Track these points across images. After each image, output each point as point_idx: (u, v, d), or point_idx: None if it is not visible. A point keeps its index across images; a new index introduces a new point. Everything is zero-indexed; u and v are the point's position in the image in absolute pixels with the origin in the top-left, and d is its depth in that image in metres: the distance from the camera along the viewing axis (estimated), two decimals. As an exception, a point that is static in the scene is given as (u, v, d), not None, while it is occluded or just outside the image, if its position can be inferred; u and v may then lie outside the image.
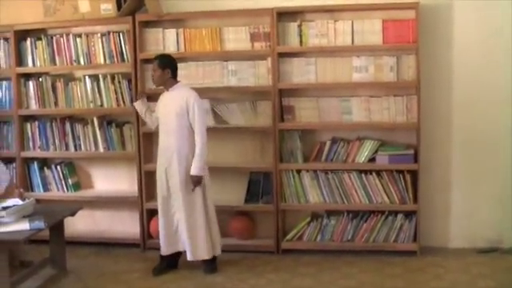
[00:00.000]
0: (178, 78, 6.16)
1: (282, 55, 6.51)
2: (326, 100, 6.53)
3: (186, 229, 5.95)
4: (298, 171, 6.57)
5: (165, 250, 6.12)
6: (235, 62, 6.63)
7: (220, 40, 6.63)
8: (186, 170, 5.90)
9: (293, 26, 6.50)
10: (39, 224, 5.43)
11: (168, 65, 6.00)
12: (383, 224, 6.45)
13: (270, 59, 6.49)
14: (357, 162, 6.47)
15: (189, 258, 6.02)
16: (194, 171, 5.86)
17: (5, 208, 5.58)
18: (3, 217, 5.44)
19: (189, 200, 5.93)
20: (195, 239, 5.97)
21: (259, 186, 6.73)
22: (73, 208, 6.22)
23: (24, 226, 5.40)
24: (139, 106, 6.37)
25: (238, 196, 6.78)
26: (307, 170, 6.55)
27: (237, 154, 6.84)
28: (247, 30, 6.57)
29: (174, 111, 5.90)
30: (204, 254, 6.01)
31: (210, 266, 6.12)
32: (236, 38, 6.61)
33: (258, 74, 6.59)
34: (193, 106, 5.88)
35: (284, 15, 6.49)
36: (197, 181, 5.88)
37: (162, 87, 6.12)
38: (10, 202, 5.77)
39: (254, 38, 6.55)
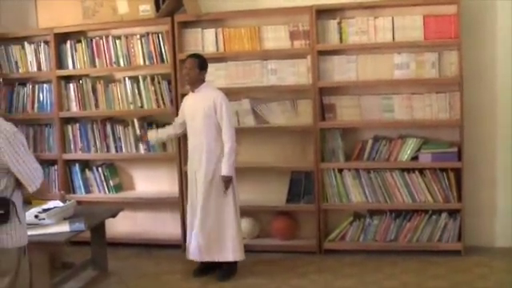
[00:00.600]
0: (218, 78, 6.18)
1: (321, 53, 6.49)
2: (368, 98, 6.49)
3: (202, 230, 5.89)
4: (340, 170, 6.55)
5: (190, 256, 6.12)
6: (275, 61, 6.62)
7: (259, 39, 6.63)
8: (214, 170, 5.87)
9: (332, 24, 6.47)
10: (79, 226, 5.50)
11: (205, 66, 6.02)
12: (427, 223, 6.39)
13: (309, 57, 6.48)
14: (399, 160, 6.43)
15: (200, 258, 5.98)
16: (224, 171, 5.85)
17: (45, 210, 5.70)
18: (44, 219, 5.53)
19: (217, 201, 5.90)
20: (223, 241, 5.91)
21: (301, 185, 6.71)
22: (114, 209, 6.29)
23: (64, 227, 5.48)
24: (154, 137, 6.51)
25: (279, 196, 6.77)
26: (349, 169, 6.53)
27: (278, 154, 6.82)
28: (286, 28, 6.56)
29: (202, 111, 5.88)
30: (237, 255, 5.96)
31: (231, 269, 6.07)
32: (275, 36, 6.60)
33: (297, 73, 6.57)
34: (220, 106, 5.86)
35: (323, 13, 6.47)
36: (227, 181, 5.87)
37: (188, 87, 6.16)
38: (50, 204, 5.88)
39: (293, 36, 6.54)
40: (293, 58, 6.59)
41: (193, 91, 6.04)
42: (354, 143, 6.60)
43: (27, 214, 5.47)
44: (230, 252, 5.94)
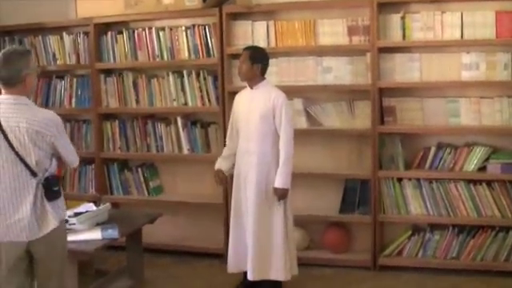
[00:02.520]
0: (268, 75, 5.84)
1: (382, 50, 6.12)
2: (432, 101, 6.11)
3: (254, 245, 5.44)
4: (399, 179, 6.20)
5: (231, 268, 5.68)
6: (331, 58, 6.28)
7: (314, 33, 6.29)
8: (266, 180, 5.45)
9: (395, 18, 6.10)
10: (112, 233, 5.18)
11: (259, 60, 5.53)
12: (493, 241, 5.99)
13: (369, 55, 6.11)
14: (465, 170, 6.02)
15: (252, 277, 5.48)
16: (278, 183, 5.41)
17: (77, 214, 5.39)
18: (74, 224, 5.22)
19: (267, 214, 5.46)
20: (269, 258, 5.47)
21: (355, 194, 6.38)
22: (152, 215, 5.99)
23: (96, 234, 5.17)
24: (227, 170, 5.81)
25: (332, 205, 6.44)
26: (409, 179, 6.17)
27: (331, 160, 6.49)
28: (344, 22, 6.21)
29: (258, 112, 5.43)
30: (281, 275, 5.49)
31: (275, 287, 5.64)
32: (332, 31, 6.26)
33: (355, 72, 6.24)
34: (280, 109, 5.41)
35: (385, 6, 6.09)
36: (282, 194, 5.43)
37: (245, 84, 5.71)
38: (82, 207, 5.60)
39: (351, 31, 6.20)
40: (350, 55, 6.24)
41: (251, 88, 5.59)
42: (416, 150, 6.22)
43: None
44: (276, 270, 5.49)
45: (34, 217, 4.05)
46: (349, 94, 6.32)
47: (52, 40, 7.01)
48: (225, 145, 5.88)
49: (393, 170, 6.19)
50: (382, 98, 6.19)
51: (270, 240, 5.46)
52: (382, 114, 6.19)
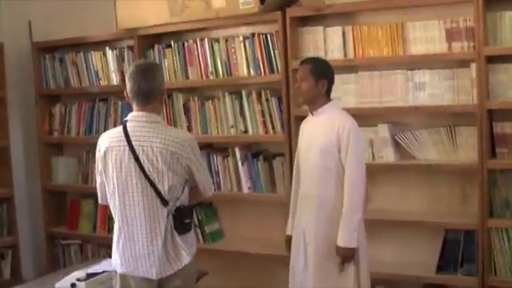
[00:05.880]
0: (346, 95, 4.74)
1: (492, 60, 4.73)
2: None
3: None
4: None
5: None
6: (424, 72, 4.96)
7: (403, 40, 4.99)
8: (328, 234, 4.22)
9: (509, 18, 4.68)
10: None
11: (324, 74, 4.31)
12: None
13: (474, 66, 4.72)
14: None
15: None
16: (340, 241, 4.15)
17: (90, 275, 4.26)
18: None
19: (330, 278, 4.23)
20: None
21: (458, 249, 4.99)
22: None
23: None
24: None
25: (427, 262, 5.08)
26: None
27: (427, 203, 5.15)
28: (441, 24, 4.87)
29: (319, 145, 4.21)
30: None
31: None
32: (425, 36, 4.94)
33: (457, 88, 4.88)
34: (347, 139, 4.15)
35: (495, 2, 4.68)
36: (345, 255, 4.17)
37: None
38: (102, 265, 4.48)
39: (451, 35, 4.85)
40: (450, 67, 4.89)
41: (311, 113, 4.39)
42: (539, 193, 4.77)
43: (63, 281, 4.24)
44: None
45: (164, 252, 3.70)
46: (449, 118, 4.99)
47: (94, 57, 6.02)
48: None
49: (507, 219, 4.76)
50: (493, 122, 4.79)
51: None
52: (492, 143, 4.81)
